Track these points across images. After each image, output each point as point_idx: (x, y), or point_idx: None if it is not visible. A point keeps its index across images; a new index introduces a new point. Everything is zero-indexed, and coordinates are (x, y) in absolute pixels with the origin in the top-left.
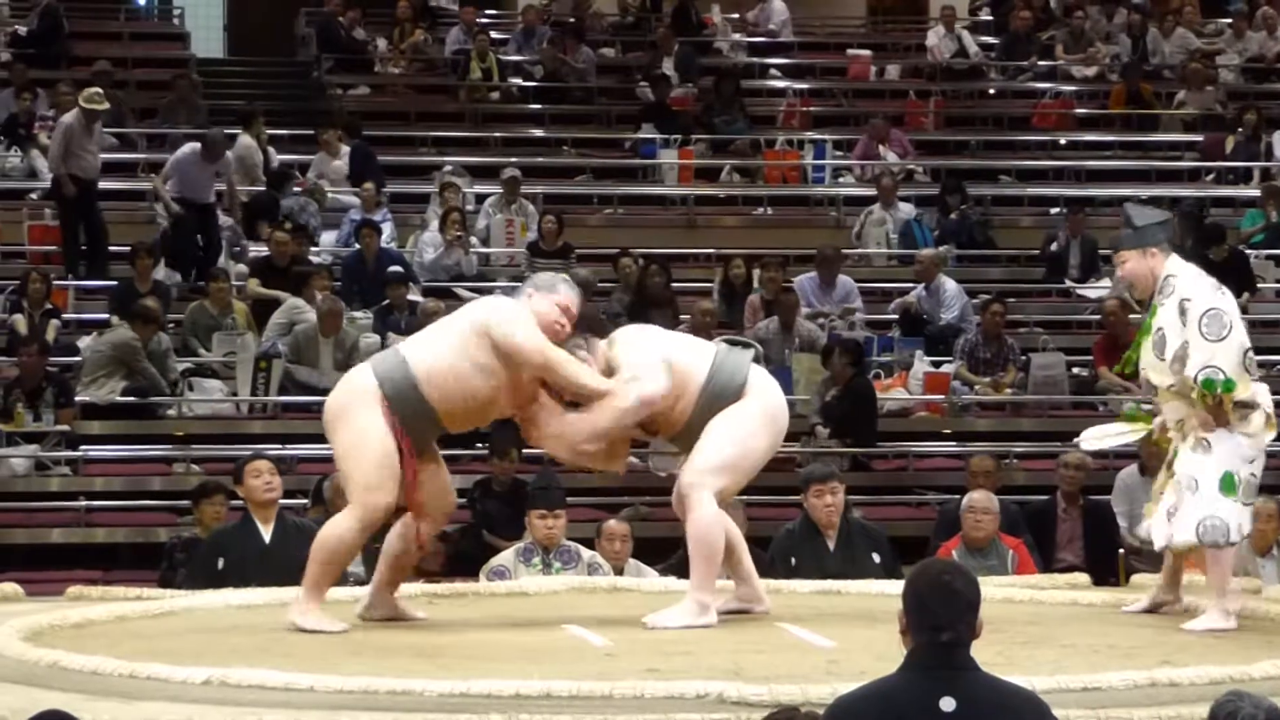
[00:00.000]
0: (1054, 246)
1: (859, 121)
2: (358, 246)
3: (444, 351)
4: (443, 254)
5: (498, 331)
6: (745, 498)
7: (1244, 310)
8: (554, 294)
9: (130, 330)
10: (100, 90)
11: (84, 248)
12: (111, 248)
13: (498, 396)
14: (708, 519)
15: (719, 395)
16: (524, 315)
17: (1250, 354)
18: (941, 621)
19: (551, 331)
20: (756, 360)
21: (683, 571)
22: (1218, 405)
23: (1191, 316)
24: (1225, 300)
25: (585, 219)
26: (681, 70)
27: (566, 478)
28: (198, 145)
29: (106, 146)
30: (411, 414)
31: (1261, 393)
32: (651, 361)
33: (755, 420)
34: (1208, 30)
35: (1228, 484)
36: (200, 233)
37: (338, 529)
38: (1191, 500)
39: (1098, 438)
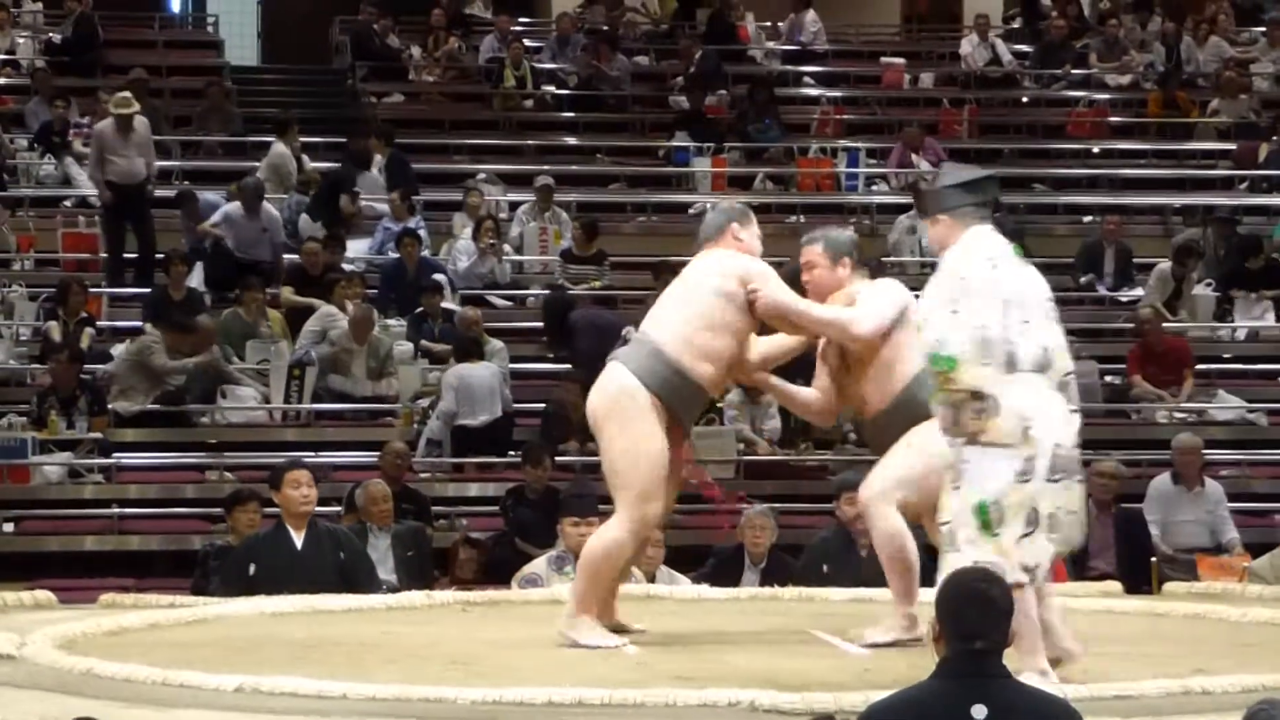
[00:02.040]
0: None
1: (893, 130)
2: (395, 255)
3: (694, 320)
4: (476, 262)
5: (764, 300)
6: (779, 505)
7: (1277, 317)
8: (751, 222)
9: (153, 336)
10: (129, 94)
11: (134, 255)
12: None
13: (741, 351)
14: (889, 532)
15: (921, 396)
16: (768, 272)
17: (1002, 345)
18: (974, 629)
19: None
20: None
21: (718, 579)
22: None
23: (940, 285)
24: (985, 271)
25: (619, 227)
26: (706, 77)
27: (600, 486)
28: (239, 204)
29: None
30: (681, 399)
31: (1032, 396)
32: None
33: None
34: (1242, 39)
35: (982, 518)
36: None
37: (609, 539)
38: (948, 560)
39: None
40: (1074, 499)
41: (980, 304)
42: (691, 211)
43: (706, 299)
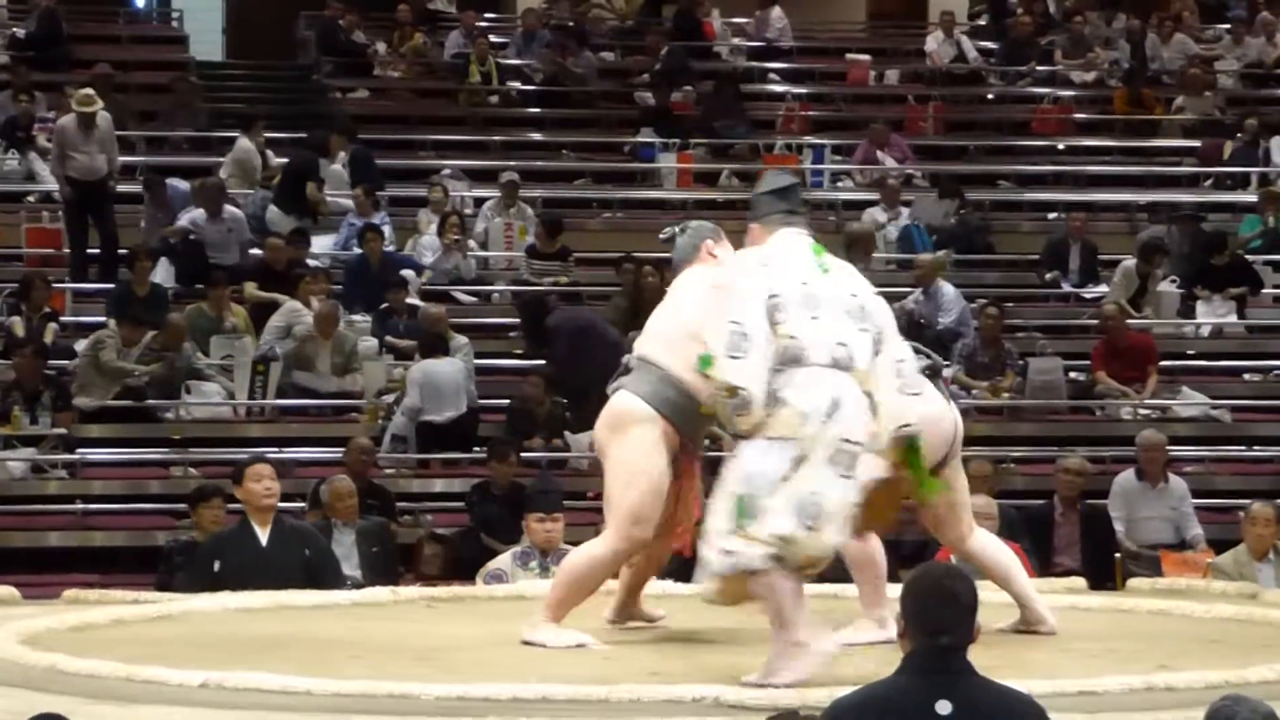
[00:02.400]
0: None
1: (858, 126)
2: (359, 250)
3: (692, 339)
4: (441, 257)
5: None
6: None
7: (1241, 314)
8: (723, 238)
9: (108, 333)
10: (91, 92)
11: (97, 251)
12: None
13: None
14: None
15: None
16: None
17: (764, 341)
18: (940, 625)
19: None
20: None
21: (680, 576)
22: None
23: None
24: (750, 271)
25: (585, 223)
26: (673, 73)
27: (566, 481)
28: (201, 210)
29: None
30: (689, 420)
31: (810, 384)
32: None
33: None
34: (1207, 36)
35: (739, 509)
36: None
37: (592, 555)
38: (704, 553)
39: None
40: (853, 493)
41: (739, 302)
42: (662, 237)
43: (698, 316)
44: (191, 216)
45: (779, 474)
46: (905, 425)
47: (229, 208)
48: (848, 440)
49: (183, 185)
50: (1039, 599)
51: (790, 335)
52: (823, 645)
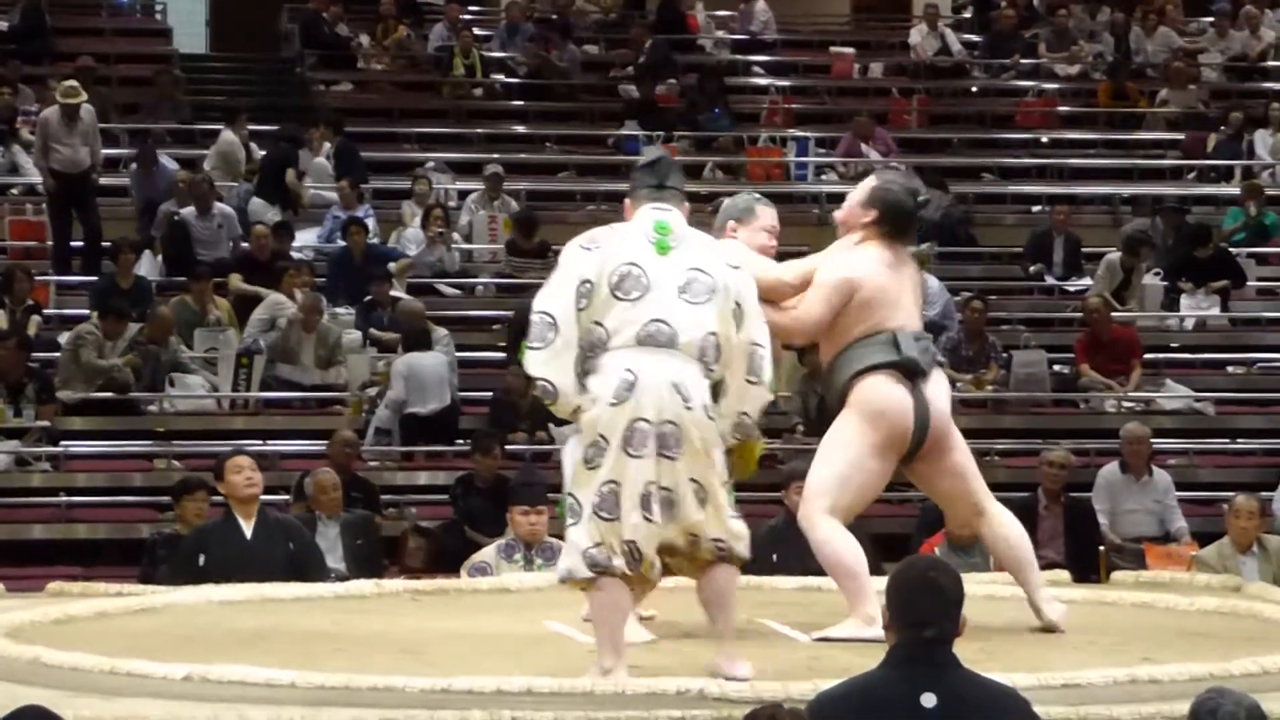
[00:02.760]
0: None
1: (842, 119)
2: (343, 243)
3: None
4: (425, 250)
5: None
6: None
7: (1224, 307)
8: (756, 219)
9: (88, 329)
10: (76, 84)
11: (81, 244)
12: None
13: None
14: (818, 541)
15: (850, 362)
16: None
17: (567, 326)
18: (925, 618)
19: (769, 254)
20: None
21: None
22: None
23: None
24: (569, 253)
25: (568, 215)
26: (656, 66)
27: (549, 474)
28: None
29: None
30: None
31: (606, 368)
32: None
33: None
34: (1191, 29)
35: (568, 509)
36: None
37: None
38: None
39: None
40: (666, 474)
41: (552, 289)
42: (711, 209)
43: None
44: (182, 215)
45: (580, 465)
46: (744, 413)
47: (219, 205)
48: (641, 419)
49: (172, 165)
50: (1044, 591)
51: (595, 321)
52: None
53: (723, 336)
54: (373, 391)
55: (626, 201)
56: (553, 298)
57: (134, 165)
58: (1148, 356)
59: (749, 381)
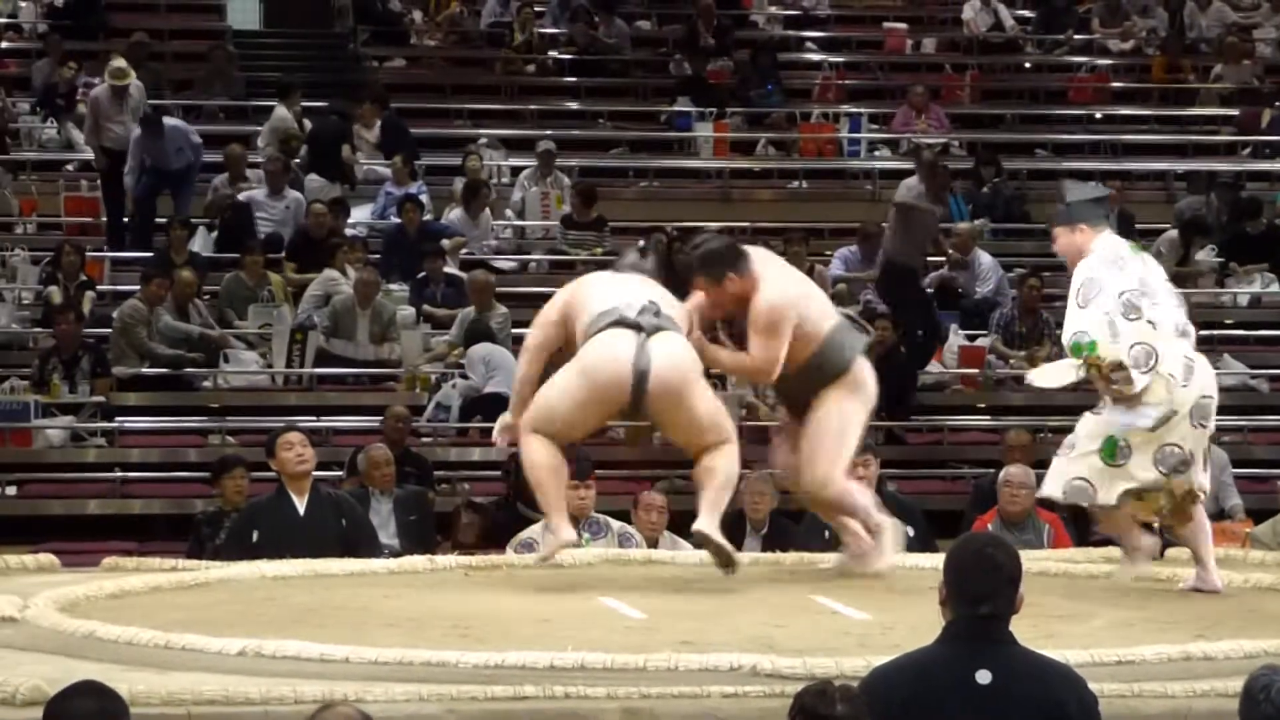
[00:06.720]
0: None
1: (895, 95)
2: (397, 220)
3: None
4: (468, 226)
5: None
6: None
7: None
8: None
9: (136, 307)
10: (124, 64)
11: (127, 219)
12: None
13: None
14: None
15: (828, 359)
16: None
17: (1129, 319)
18: (981, 594)
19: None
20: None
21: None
22: (1100, 370)
23: (1072, 287)
24: (1106, 269)
25: (620, 192)
26: (719, 41)
27: (596, 450)
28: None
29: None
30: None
31: (1169, 357)
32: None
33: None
34: (1245, 4)
35: (1108, 449)
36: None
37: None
38: (1061, 460)
39: (1042, 375)
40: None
41: (1104, 292)
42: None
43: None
44: (251, 195)
45: (1151, 429)
46: None
47: (291, 190)
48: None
49: (183, 125)
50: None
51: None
52: None
53: None
54: (428, 369)
55: (1082, 226)
56: (1108, 299)
57: (137, 130)
58: (1202, 333)
59: None
